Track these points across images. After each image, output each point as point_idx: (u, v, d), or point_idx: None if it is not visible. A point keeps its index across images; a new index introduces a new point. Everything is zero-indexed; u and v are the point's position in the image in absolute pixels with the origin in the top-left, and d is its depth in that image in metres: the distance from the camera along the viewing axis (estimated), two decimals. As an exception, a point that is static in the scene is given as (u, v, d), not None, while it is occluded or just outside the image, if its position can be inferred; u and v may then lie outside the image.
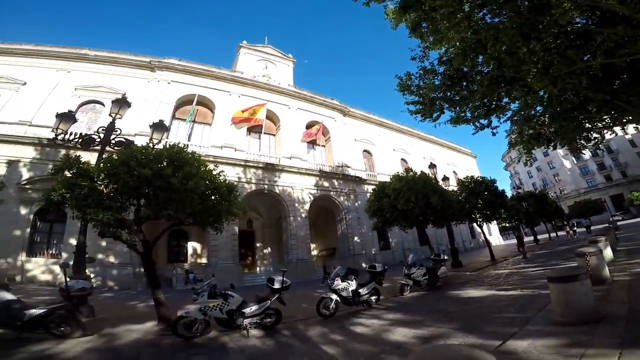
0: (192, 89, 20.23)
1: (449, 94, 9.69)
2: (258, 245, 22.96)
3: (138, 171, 5.89)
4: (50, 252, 14.19)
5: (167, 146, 6.99)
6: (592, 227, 31.76)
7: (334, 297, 7.03)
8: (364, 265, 18.80)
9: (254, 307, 5.89)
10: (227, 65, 25.40)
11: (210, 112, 21.23)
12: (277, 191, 19.91)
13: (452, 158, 38.82)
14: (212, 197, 6.73)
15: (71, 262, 7.26)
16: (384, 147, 29.68)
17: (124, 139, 8.52)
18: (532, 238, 30.21)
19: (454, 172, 35.66)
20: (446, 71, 9.39)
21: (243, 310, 5.75)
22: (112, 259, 14.40)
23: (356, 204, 22.97)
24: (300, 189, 20.69)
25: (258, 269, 21.68)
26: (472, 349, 1.38)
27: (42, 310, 5.03)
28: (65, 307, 5.30)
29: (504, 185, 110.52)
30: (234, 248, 17.32)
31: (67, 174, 6.30)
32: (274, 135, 23.47)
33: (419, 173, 14.43)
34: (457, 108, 9.90)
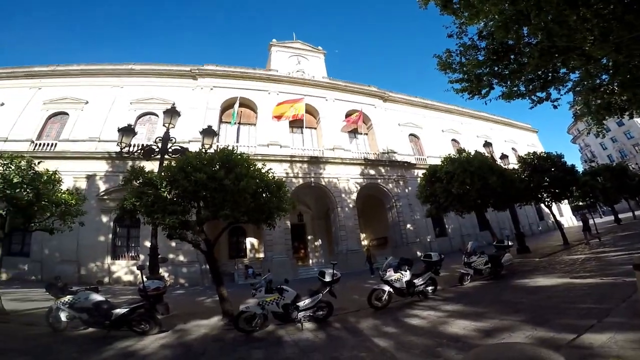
0: (233, 92, 21.07)
1: (496, 68, 8.82)
2: (309, 237, 23.45)
3: (194, 176, 6.29)
4: (130, 254, 15.92)
5: (218, 150, 7.33)
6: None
7: (387, 288, 6.90)
8: (418, 254, 18.17)
9: (307, 301, 6.01)
10: (262, 65, 25.95)
11: (253, 112, 21.98)
12: (324, 183, 20.04)
13: (510, 135, 35.58)
14: (263, 195, 6.93)
15: (147, 263, 8.03)
16: (431, 129, 28.25)
17: (179, 146, 9.13)
18: (612, 217, 26.54)
19: (512, 149, 32.77)
20: (489, 45, 8.54)
21: (297, 304, 5.91)
22: (181, 258, 15.73)
23: (406, 190, 22.22)
24: (345, 179, 20.58)
25: (310, 261, 22.17)
26: (538, 348, 1.16)
27: (125, 310, 5.57)
28: (144, 306, 5.78)
29: (573, 159, 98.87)
30: (287, 242, 17.87)
31: (135, 183, 6.94)
32: (315, 128, 23.60)
33: (473, 153, 13.45)
34: (509, 82, 8.98)
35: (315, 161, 20.28)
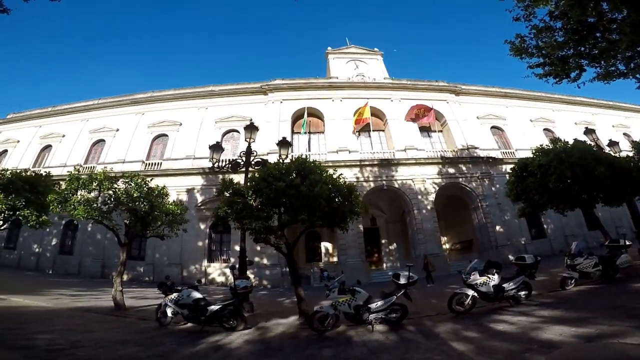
0: (300, 103, 22.25)
1: (582, 48, 7.53)
2: (383, 241, 23.01)
3: (275, 185, 6.88)
4: (222, 257, 17.90)
5: (293, 159, 7.87)
6: None
7: (470, 292, 6.43)
8: (510, 257, 16.34)
9: (380, 303, 5.95)
10: (322, 74, 26.69)
11: (321, 121, 22.78)
12: (397, 185, 19.52)
13: (619, 119, 29.47)
14: (336, 200, 7.18)
15: (237, 265, 8.99)
16: (517, 120, 25.23)
17: (260, 158, 10.02)
18: None
19: (624, 134, 27.15)
20: (566, 25, 7.32)
21: (369, 306, 5.90)
22: (265, 261, 17.06)
23: (493, 188, 20.16)
24: (421, 180, 19.68)
25: (384, 265, 21.74)
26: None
27: (218, 306, 6.22)
28: (233, 303, 6.37)
29: None
30: (360, 246, 17.87)
31: (226, 194, 7.90)
32: (383, 130, 23.23)
33: (571, 142, 11.64)
34: (602, 62, 7.61)
35: (386, 164, 19.92)
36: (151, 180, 10.71)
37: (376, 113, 22.59)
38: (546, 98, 27.59)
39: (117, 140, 22.60)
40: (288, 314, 7.89)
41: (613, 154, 12.89)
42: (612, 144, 14.60)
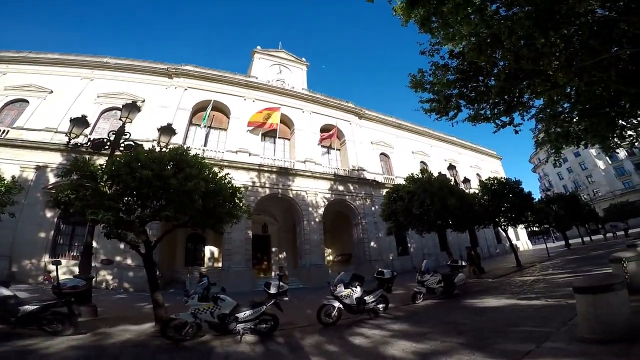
0: (207, 94, 20.65)
1: (464, 90, 9.19)
2: (274, 249, 22.91)
3: (139, 172, 5.94)
4: (72, 254, 14.73)
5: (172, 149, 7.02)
6: (630, 231, 29.95)
7: (337, 304, 6.66)
8: (384, 270, 18.30)
9: (248, 312, 5.70)
10: (243, 71, 25.78)
11: (226, 117, 21.54)
12: (291, 195, 19.79)
13: (476, 160, 37.33)
14: (214, 199, 6.63)
15: (62, 261, 7.41)
16: (402, 150, 28.99)
17: (133, 142, 8.65)
18: (563, 242, 28.72)
19: (477, 174, 34.31)
20: (459, 65, 8.89)
21: (236, 315, 5.59)
22: (129, 262, 14.73)
23: (373, 208, 22.41)
24: (314, 193, 20.46)
25: (273, 273, 21.53)
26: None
27: (35, 307, 5.15)
28: (57, 305, 5.39)
29: (533, 188, 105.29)
30: (247, 252, 17.29)
31: (74, 176, 6.48)
32: (289, 139, 23.47)
33: (435, 175, 13.86)
34: (475, 105, 9.33)
35: (285, 172, 20.05)
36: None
37: (286, 121, 22.67)
38: (427, 134, 32.61)
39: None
40: (144, 320, 6.97)
41: (465, 189, 15.94)
42: (466, 180, 18.04)
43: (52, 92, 18.16)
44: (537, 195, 27.57)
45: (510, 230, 22.01)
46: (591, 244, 27.31)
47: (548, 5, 6.09)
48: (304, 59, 27.75)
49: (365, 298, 7.04)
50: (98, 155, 11.08)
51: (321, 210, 20.34)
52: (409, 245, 23.64)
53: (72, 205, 6.14)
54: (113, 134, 8.53)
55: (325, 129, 24.13)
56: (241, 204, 7.66)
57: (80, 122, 8.70)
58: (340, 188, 21.88)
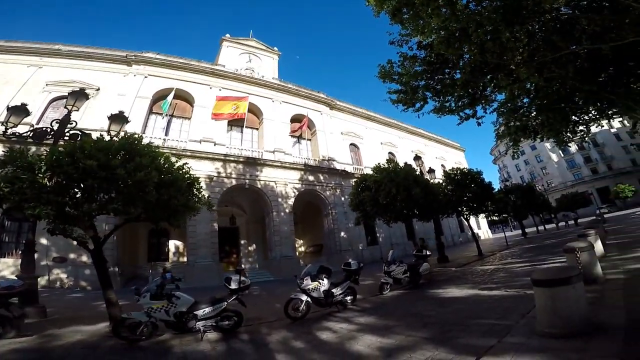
0: (170, 82, 19.47)
1: (431, 82, 9.31)
2: (243, 242, 22.47)
3: (83, 163, 5.45)
4: (19, 251, 13.55)
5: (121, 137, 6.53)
6: (580, 220, 32.20)
7: (304, 297, 6.53)
8: (351, 261, 18.55)
9: (207, 310, 5.43)
10: (211, 60, 24.72)
11: (190, 106, 20.53)
12: (259, 186, 19.36)
13: (441, 152, 38.73)
14: (168, 191, 6.24)
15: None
16: (371, 141, 29.34)
17: (80, 132, 7.94)
18: (520, 231, 30.33)
19: (442, 165, 35.60)
20: (426, 57, 8.98)
21: (195, 313, 5.31)
22: (84, 259, 13.76)
23: (342, 198, 22.52)
24: (283, 184, 20.20)
25: (243, 266, 21.21)
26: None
27: None
28: None
29: (493, 178, 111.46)
30: (214, 245, 16.79)
31: (9, 167, 5.85)
32: (257, 129, 22.88)
33: (401, 165, 14.12)
34: (441, 97, 9.48)
35: (253, 162, 19.55)
36: None
37: (254, 110, 21.96)
38: (396, 125, 33.19)
39: None
40: (98, 320, 6.59)
41: (429, 179, 16.38)
42: (431, 171, 18.50)
43: (-8, 79, 16.33)
44: (496, 186, 29.07)
45: (472, 220, 23.03)
46: (545, 233, 28.88)
47: (516, 0, 6.27)
48: (275, 48, 27.18)
49: (333, 290, 6.95)
50: (42, 146, 10.17)
51: (291, 201, 20.15)
52: (377, 235, 24.10)
53: (7, 199, 5.54)
54: (57, 122, 7.79)
55: (296, 119, 23.81)
56: (200, 195, 7.34)
57: (19, 111, 7.86)
58: (311, 178, 21.76)
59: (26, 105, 8.40)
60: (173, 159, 7.02)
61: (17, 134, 7.83)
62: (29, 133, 7.93)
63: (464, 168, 19.70)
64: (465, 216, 18.10)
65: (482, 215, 24.99)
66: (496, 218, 35.08)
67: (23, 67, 17.36)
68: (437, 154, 37.53)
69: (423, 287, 9.13)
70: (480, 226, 37.07)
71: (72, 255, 13.43)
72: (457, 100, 9.49)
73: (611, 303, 4.41)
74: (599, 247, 7.83)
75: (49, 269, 12.91)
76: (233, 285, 5.84)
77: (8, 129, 7.69)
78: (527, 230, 30.50)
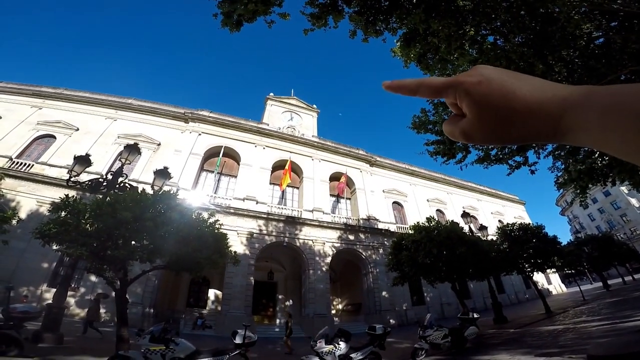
0: (220, 140, 21.49)
1: None
2: (280, 297, 21.88)
3: (120, 213, 5.97)
4: (71, 284, 14.61)
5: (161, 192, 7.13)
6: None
7: None
8: (392, 322, 16.92)
9: None
10: (256, 117, 26.90)
11: (236, 163, 22.08)
12: (298, 244, 19.25)
13: (497, 207, 35.53)
14: (192, 245, 6.51)
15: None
16: (416, 198, 28.09)
17: (129, 184, 8.84)
18: (600, 284, 27.26)
19: (499, 221, 32.40)
20: None
21: None
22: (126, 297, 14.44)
23: (384, 257, 21.30)
24: (321, 243, 19.86)
25: (278, 320, 20.41)
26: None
27: None
28: (4, 326, 5.39)
29: (563, 231, 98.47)
30: (248, 298, 16.53)
31: (63, 213, 6.66)
32: (298, 187, 23.46)
33: (449, 223, 13.16)
34: (484, 145, 8.83)
35: (292, 221, 19.77)
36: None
37: (295, 169, 22.86)
38: (442, 180, 31.64)
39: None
40: (107, 354, 6.57)
41: (480, 237, 14.96)
42: (482, 228, 17.07)
43: (78, 129, 19.50)
44: (568, 238, 26.04)
45: (541, 275, 20.34)
46: (634, 284, 25.34)
47: (541, 29, 5.94)
48: (314, 106, 28.72)
49: (352, 355, 6.38)
50: (99, 194, 11.48)
51: (328, 259, 19.54)
52: (424, 294, 21.83)
53: (55, 239, 6.26)
54: (111, 174, 8.79)
55: (335, 177, 24.10)
56: (227, 250, 7.50)
57: (83, 161, 9.08)
58: (351, 237, 21.16)
59: (89, 156, 9.69)
60: (206, 215, 7.39)
61: (78, 182, 8.94)
62: (88, 183, 8.96)
63: (522, 223, 17.93)
64: (527, 273, 16.45)
65: (551, 270, 22.12)
66: (570, 271, 31.05)
67: (101, 119, 20.45)
68: (493, 209, 34.53)
69: (468, 353, 8.11)
70: (551, 281, 32.08)
71: (113, 293, 14.15)
72: (503, 147, 8.62)
73: None
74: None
75: (90, 302, 13.71)
76: (237, 340, 5.86)
77: (72, 177, 8.81)
78: (610, 282, 26.89)
